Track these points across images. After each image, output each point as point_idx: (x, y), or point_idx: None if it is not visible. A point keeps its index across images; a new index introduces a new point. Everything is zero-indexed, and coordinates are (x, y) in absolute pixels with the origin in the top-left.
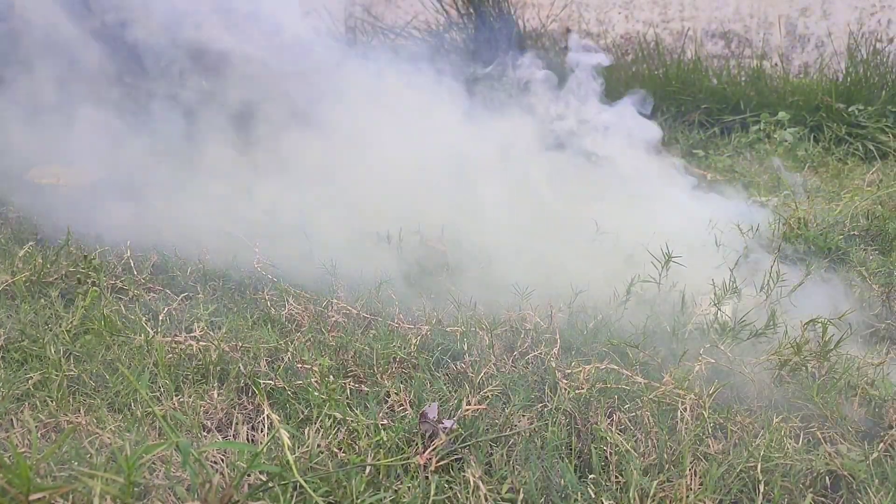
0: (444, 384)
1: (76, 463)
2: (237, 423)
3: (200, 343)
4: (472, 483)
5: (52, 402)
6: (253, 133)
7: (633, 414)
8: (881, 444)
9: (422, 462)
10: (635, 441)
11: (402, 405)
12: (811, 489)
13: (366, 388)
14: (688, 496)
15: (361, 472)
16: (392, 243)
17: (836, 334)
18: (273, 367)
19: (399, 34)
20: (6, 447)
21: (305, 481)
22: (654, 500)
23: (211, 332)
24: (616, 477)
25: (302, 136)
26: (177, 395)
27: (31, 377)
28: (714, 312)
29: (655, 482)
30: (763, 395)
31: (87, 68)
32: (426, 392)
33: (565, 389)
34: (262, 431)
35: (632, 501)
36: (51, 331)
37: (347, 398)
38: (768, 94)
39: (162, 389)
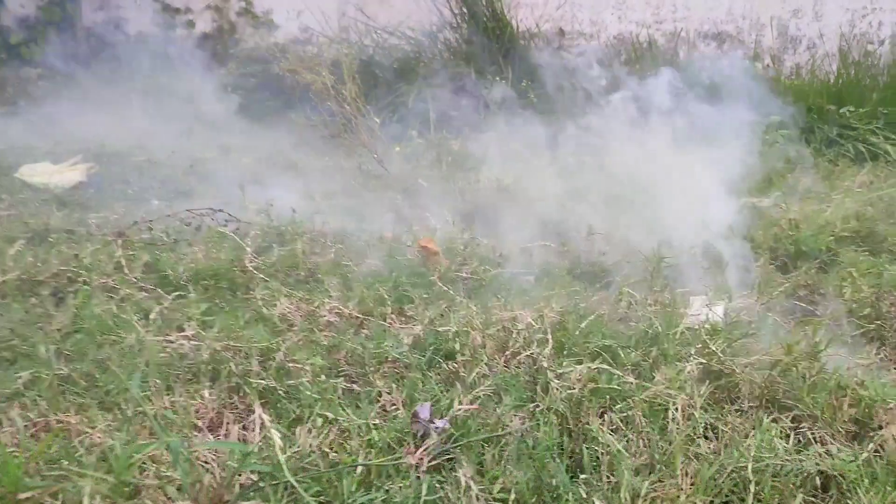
0: (437, 384)
1: (66, 462)
2: (228, 423)
3: (192, 342)
4: (463, 483)
5: (42, 401)
6: None
7: (625, 414)
8: (871, 445)
9: (413, 462)
10: (627, 441)
11: (394, 405)
12: (802, 489)
13: (358, 388)
14: (679, 496)
15: (353, 471)
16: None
17: (826, 335)
18: (265, 367)
19: (392, 34)
20: None
21: (297, 481)
22: (645, 500)
23: (202, 332)
24: (607, 477)
25: None
26: (168, 395)
27: (22, 376)
28: (705, 313)
29: (647, 482)
30: (754, 395)
31: None
32: (418, 392)
33: (557, 389)
34: (253, 431)
35: (623, 501)
36: (41, 329)
37: (339, 398)
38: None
39: (153, 389)
